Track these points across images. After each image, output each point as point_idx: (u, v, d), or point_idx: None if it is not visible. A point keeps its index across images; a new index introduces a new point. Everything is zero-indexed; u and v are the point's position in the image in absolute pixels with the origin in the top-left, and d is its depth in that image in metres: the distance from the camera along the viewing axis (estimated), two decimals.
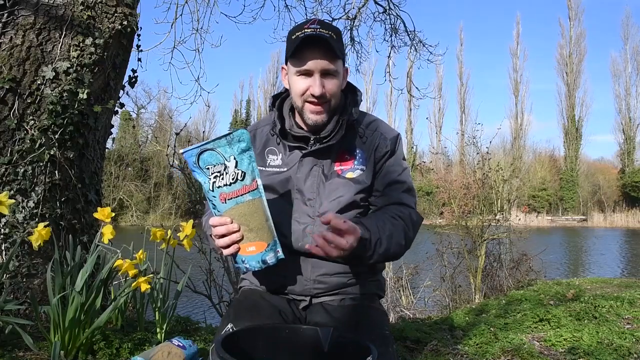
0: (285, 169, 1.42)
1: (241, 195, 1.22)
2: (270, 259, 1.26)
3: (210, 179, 1.22)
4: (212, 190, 1.23)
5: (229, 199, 1.23)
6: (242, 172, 1.22)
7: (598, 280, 6.30)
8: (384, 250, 1.30)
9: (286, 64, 1.41)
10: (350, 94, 1.48)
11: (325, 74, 1.34)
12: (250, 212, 1.23)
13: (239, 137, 1.21)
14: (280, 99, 1.50)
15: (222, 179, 1.22)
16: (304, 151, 1.41)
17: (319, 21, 1.38)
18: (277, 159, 1.45)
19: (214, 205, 1.24)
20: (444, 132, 42.97)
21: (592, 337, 2.47)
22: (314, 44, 1.31)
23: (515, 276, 6.61)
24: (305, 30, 1.32)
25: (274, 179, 1.42)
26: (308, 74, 1.34)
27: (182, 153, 1.23)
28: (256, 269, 1.27)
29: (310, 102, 1.36)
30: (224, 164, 1.21)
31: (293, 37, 1.34)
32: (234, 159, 1.21)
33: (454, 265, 6.85)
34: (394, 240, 1.32)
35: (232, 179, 1.21)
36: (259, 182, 1.23)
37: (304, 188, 1.40)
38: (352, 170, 1.41)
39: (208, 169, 1.22)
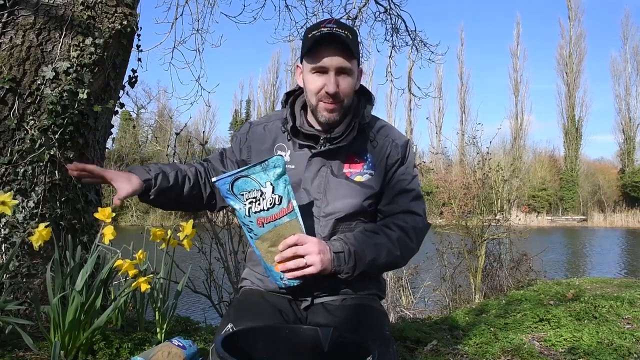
0: (293, 166, 1.43)
1: (279, 218, 1.25)
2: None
3: (245, 204, 1.24)
4: (249, 216, 1.25)
5: (266, 223, 1.25)
6: (279, 196, 1.24)
7: (598, 280, 6.30)
8: (371, 259, 1.32)
9: (302, 62, 1.42)
10: (364, 96, 1.48)
11: (340, 72, 1.35)
12: (288, 232, 1.25)
13: (274, 163, 1.24)
14: (293, 96, 1.50)
15: (259, 204, 1.24)
16: (313, 150, 1.41)
17: (336, 21, 1.38)
18: (285, 155, 1.45)
19: (251, 229, 1.26)
20: (444, 132, 43.01)
21: (592, 337, 2.47)
22: (330, 42, 1.32)
23: (515, 276, 6.61)
24: (322, 29, 1.33)
25: None
26: (323, 71, 1.35)
27: (215, 181, 1.25)
28: (295, 285, 1.28)
29: (324, 101, 1.36)
30: (260, 190, 1.23)
31: (309, 35, 1.35)
32: (271, 184, 1.24)
33: (454, 265, 6.85)
34: (384, 249, 1.34)
35: (270, 203, 1.24)
36: (294, 203, 1.26)
37: (311, 188, 1.40)
38: (360, 174, 1.41)
39: (242, 195, 1.24)
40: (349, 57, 1.35)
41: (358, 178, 1.41)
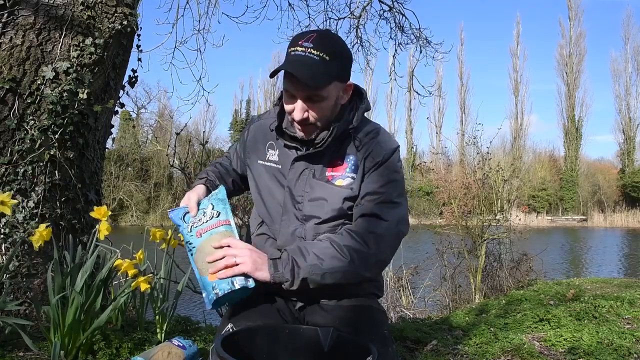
0: (280, 166, 1.43)
1: (216, 227, 1.34)
2: (240, 281, 1.26)
3: (189, 225, 1.38)
4: (190, 232, 1.36)
5: (204, 233, 1.34)
6: (218, 212, 1.38)
7: (598, 280, 6.30)
8: (313, 265, 1.25)
9: None
10: (357, 99, 1.42)
11: (308, 100, 1.29)
12: (223, 239, 1.33)
13: (216, 193, 1.44)
14: None
15: (200, 221, 1.37)
16: (298, 152, 1.40)
17: (319, 36, 1.28)
18: (275, 154, 1.45)
19: (190, 243, 1.35)
20: (444, 132, 42.96)
21: (592, 337, 2.47)
22: (297, 70, 1.22)
23: (515, 276, 6.62)
24: (297, 48, 1.25)
25: (272, 172, 1.45)
26: (292, 95, 1.30)
27: (170, 212, 1.45)
28: (226, 292, 1.25)
29: (296, 122, 1.33)
30: (203, 211, 1.39)
31: (288, 50, 1.29)
32: (211, 204, 1.40)
33: (454, 265, 6.86)
34: (326, 255, 1.27)
35: (209, 217, 1.37)
36: (232, 221, 1.37)
37: (294, 190, 1.40)
38: (342, 177, 1.38)
39: (190, 221, 1.39)
40: (318, 87, 1.26)
41: (339, 182, 1.37)
